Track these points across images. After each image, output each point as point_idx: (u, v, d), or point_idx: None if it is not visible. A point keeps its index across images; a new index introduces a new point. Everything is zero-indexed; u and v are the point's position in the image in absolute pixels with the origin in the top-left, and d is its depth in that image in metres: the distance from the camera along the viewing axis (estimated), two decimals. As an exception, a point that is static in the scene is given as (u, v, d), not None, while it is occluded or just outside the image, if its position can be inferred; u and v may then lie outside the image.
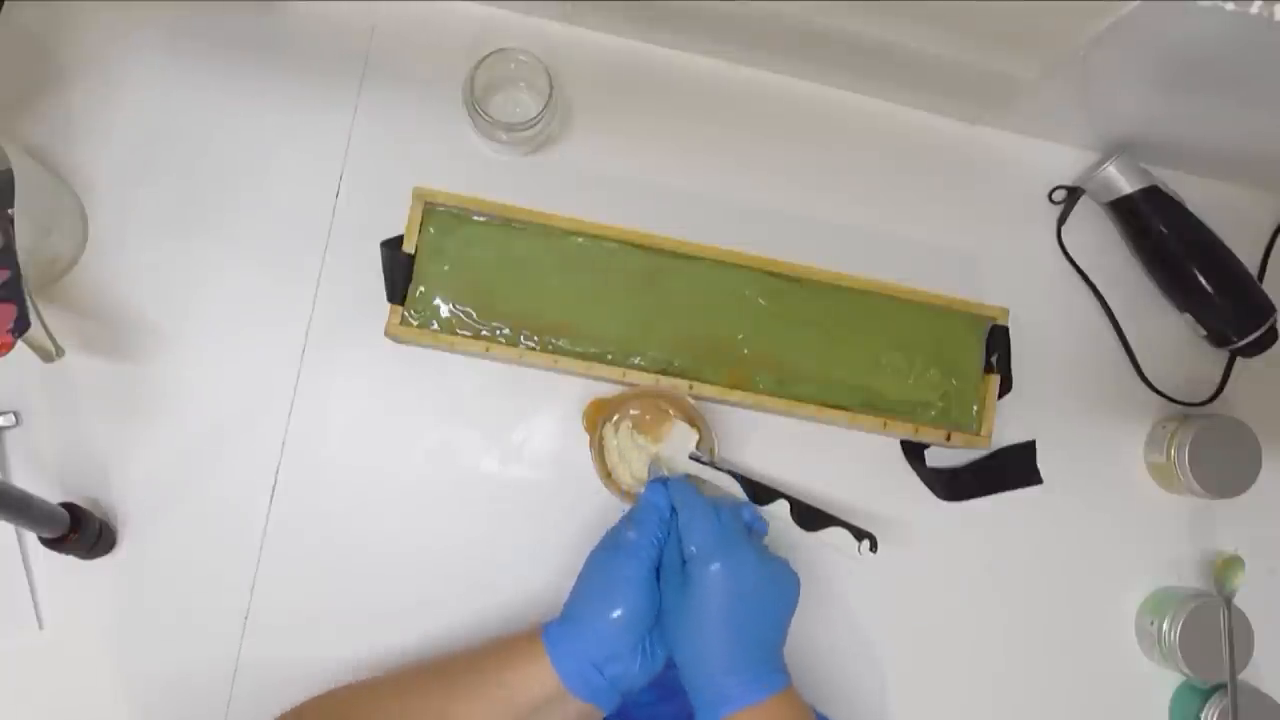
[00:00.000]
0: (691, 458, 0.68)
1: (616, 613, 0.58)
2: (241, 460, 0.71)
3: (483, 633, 0.70)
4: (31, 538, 0.66)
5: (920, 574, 0.75)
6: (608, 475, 0.68)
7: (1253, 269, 0.80)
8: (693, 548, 0.58)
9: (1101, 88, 0.71)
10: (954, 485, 0.75)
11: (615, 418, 0.69)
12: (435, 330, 0.68)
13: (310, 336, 0.72)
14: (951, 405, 0.72)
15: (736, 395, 0.70)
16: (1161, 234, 0.77)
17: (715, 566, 0.57)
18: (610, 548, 0.62)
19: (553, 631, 0.59)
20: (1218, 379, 0.80)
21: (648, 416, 0.69)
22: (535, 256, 0.70)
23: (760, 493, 0.66)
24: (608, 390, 0.72)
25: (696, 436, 0.68)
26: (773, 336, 0.71)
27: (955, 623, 0.75)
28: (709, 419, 0.70)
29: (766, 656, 0.58)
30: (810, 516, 0.66)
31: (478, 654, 0.61)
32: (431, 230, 0.69)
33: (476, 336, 0.69)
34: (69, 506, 0.64)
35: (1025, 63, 0.68)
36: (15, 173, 0.61)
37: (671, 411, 0.70)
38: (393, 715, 0.59)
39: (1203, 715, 0.72)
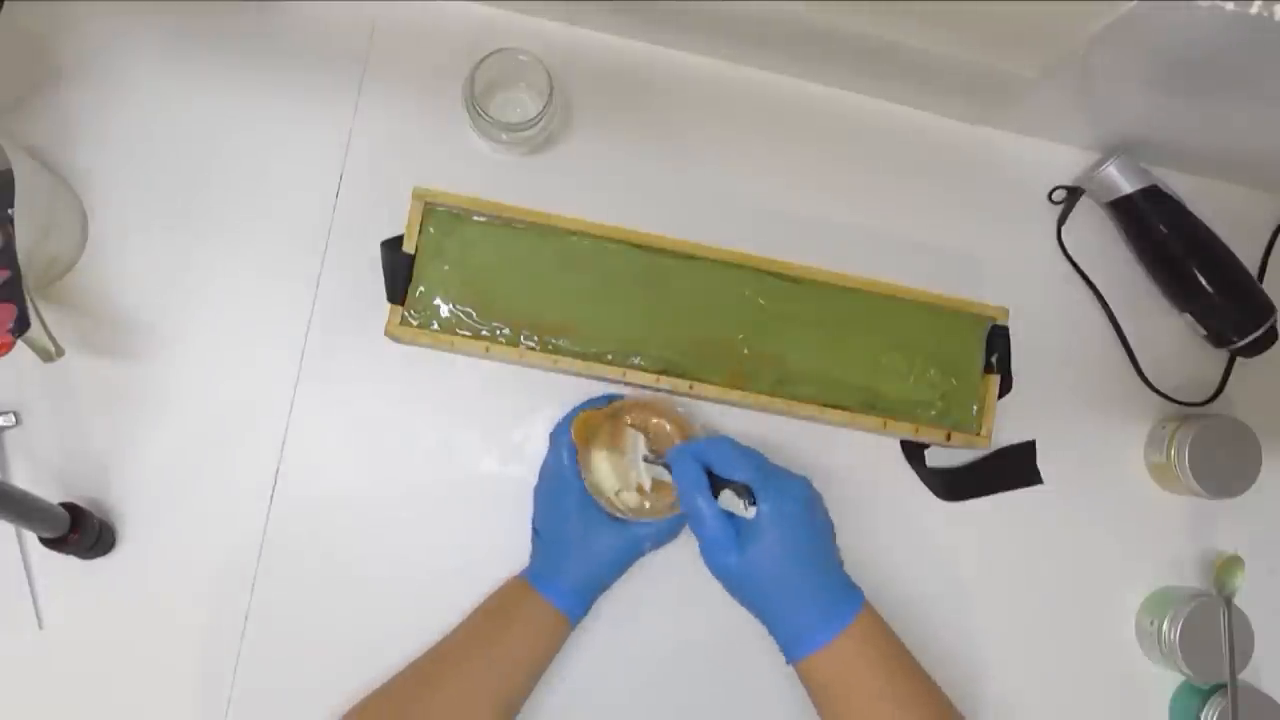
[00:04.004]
0: (645, 460, 0.67)
1: (582, 534, 0.65)
2: (241, 460, 0.71)
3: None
4: (31, 538, 0.66)
5: (919, 574, 0.75)
6: (597, 491, 0.67)
7: (1253, 269, 0.80)
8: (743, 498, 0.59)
9: (1101, 88, 0.71)
10: (954, 485, 0.75)
11: (599, 435, 0.68)
12: (435, 330, 0.68)
13: (310, 336, 0.72)
14: (951, 405, 0.72)
15: (736, 395, 0.70)
16: (1161, 234, 0.77)
17: (767, 508, 0.59)
18: (548, 480, 0.68)
19: (539, 576, 0.66)
20: (1218, 379, 0.80)
21: (615, 430, 0.68)
22: (535, 256, 0.70)
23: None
24: (606, 390, 0.72)
25: (643, 437, 0.68)
26: (773, 336, 0.71)
27: (955, 622, 0.75)
28: (701, 421, 0.70)
29: (838, 571, 0.61)
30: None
31: (474, 632, 0.65)
32: (431, 230, 0.69)
33: (476, 336, 0.69)
34: (69, 506, 0.64)
35: (1026, 63, 0.68)
36: (15, 173, 0.62)
37: (654, 420, 0.69)
38: None
39: (1203, 715, 0.72)
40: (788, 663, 0.60)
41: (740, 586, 0.60)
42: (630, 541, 0.67)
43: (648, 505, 0.67)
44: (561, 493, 0.67)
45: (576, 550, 0.66)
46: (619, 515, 0.67)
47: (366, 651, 0.68)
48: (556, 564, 0.66)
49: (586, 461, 0.67)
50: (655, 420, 0.69)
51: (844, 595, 0.60)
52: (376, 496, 0.71)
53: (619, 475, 0.67)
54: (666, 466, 0.64)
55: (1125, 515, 0.77)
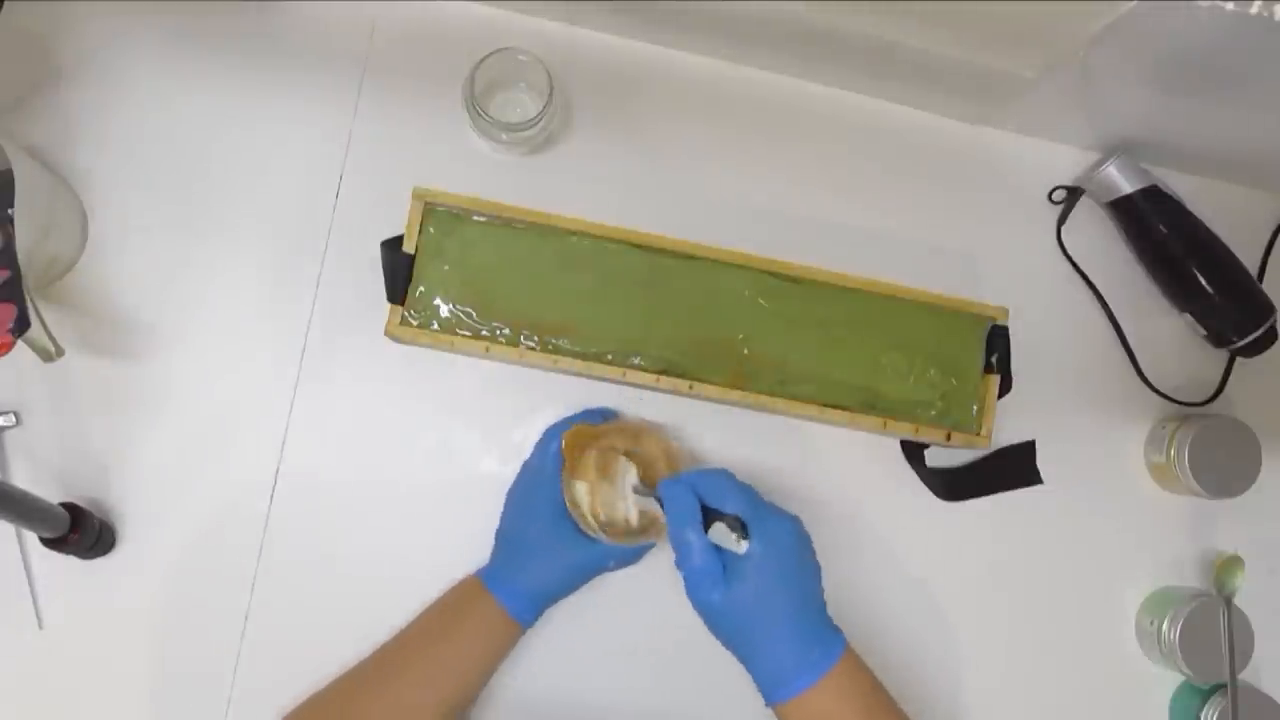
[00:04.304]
0: (635, 491, 0.65)
1: (547, 541, 0.65)
2: (241, 460, 0.71)
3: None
4: (31, 538, 0.66)
5: (920, 574, 0.75)
6: (574, 504, 0.66)
7: (1253, 269, 0.80)
8: (734, 534, 0.58)
9: (1101, 88, 0.71)
10: (954, 485, 0.75)
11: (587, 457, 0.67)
12: (435, 330, 0.68)
13: (310, 336, 0.72)
14: (951, 405, 0.72)
15: (736, 395, 0.70)
16: (1161, 234, 0.77)
17: (757, 545, 0.57)
18: (527, 480, 0.69)
19: (495, 576, 0.66)
20: (1218, 379, 0.80)
21: (605, 459, 0.66)
22: (535, 256, 0.70)
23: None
24: (606, 391, 0.72)
25: (635, 468, 0.65)
26: (773, 336, 0.70)
27: (955, 623, 0.75)
28: (690, 449, 0.70)
29: (822, 615, 0.60)
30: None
31: (423, 630, 0.65)
32: (431, 230, 0.69)
33: (476, 336, 0.69)
34: (69, 506, 0.64)
35: (1025, 62, 0.68)
36: (15, 173, 0.62)
37: (646, 449, 0.67)
38: None
39: (1203, 715, 0.72)
40: (767, 705, 0.59)
41: (722, 624, 0.59)
42: (594, 558, 0.67)
43: (624, 529, 0.65)
44: (537, 496, 0.67)
45: (538, 556, 0.66)
46: (590, 533, 0.65)
47: (367, 650, 0.68)
48: (516, 566, 0.66)
49: (569, 474, 0.66)
50: (647, 449, 0.67)
51: (826, 638, 0.58)
52: (377, 496, 0.71)
53: (605, 506, 0.64)
54: (658, 499, 0.62)
55: (1125, 515, 0.77)
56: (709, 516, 0.59)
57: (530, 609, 0.66)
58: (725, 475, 0.61)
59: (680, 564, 0.59)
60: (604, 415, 0.71)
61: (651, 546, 0.69)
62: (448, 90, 0.71)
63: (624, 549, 0.67)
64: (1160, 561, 0.77)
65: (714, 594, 0.57)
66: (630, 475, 0.65)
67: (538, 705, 0.70)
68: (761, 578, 0.57)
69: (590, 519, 0.64)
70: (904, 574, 0.74)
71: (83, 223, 0.71)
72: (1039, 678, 0.75)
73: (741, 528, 0.58)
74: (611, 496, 0.64)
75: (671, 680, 0.72)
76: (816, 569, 0.60)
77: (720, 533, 0.58)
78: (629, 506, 0.64)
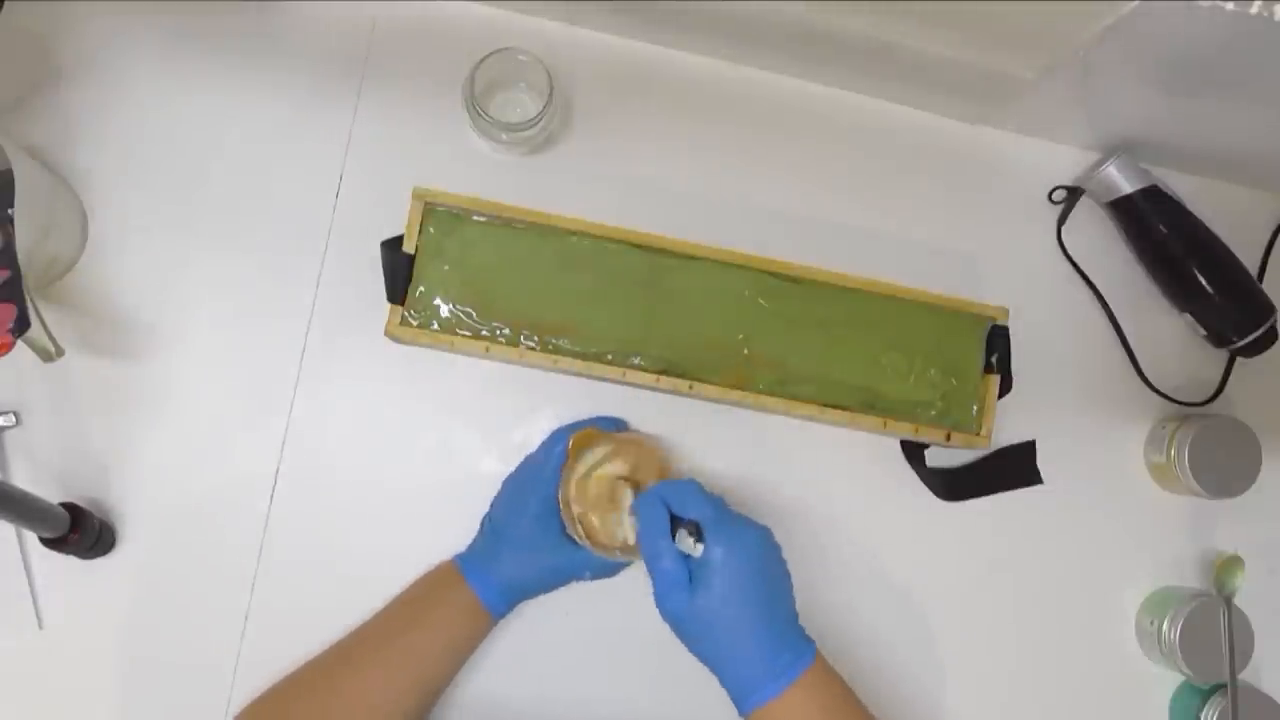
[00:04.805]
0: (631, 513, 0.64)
1: (532, 537, 0.66)
2: (242, 460, 0.71)
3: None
4: (31, 538, 0.66)
5: (920, 574, 0.75)
6: (566, 506, 0.66)
7: (1253, 269, 0.80)
8: (700, 543, 0.58)
9: (1101, 88, 0.71)
10: (954, 485, 0.75)
11: (582, 464, 0.67)
12: (435, 330, 0.68)
13: (310, 337, 0.72)
14: (951, 405, 0.72)
15: (736, 395, 0.70)
16: (1161, 234, 0.77)
17: (719, 550, 0.57)
18: (526, 472, 0.69)
19: (472, 563, 0.67)
20: (1218, 379, 0.80)
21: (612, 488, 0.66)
22: (535, 256, 0.70)
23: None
24: (609, 392, 0.72)
25: (632, 492, 0.65)
26: (773, 336, 0.71)
27: (955, 623, 0.75)
28: (685, 445, 0.70)
29: (792, 624, 0.60)
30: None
31: (390, 619, 0.66)
32: (431, 230, 0.69)
33: (476, 336, 0.69)
34: (69, 506, 0.64)
35: (1025, 63, 0.68)
36: (15, 173, 0.62)
37: (645, 476, 0.67)
38: (331, 709, 0.63)
39: (1203, 715, 0.72)
40: (740, 715, 0.59)
41: (690, 632, 0.59)
42: (573, 563, 0.67)
43: (607, 541, 0.65)
44: (532, 490, 0.67)
45: (520, 550, 0.66)
46: (576, 539, 0.65)
47: (366, 651, 0.68)
48: (495, 555, 0.66)
49: (568, 476, 0.66)
50: (645, 473, 0.67)
51: (795, 647, 0.58)
52: (376, 496, 0.71)
53: (606, 531, 0.65)
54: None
55: (1125, 515, 0.77)
56: (676, 524, 0.60)
57: (502, 600, 0.66)
58: (692, 485, 0.61)
59: (651, 573, 0.59)
60: (616, 425, 0.72)
61: (628, 564, 0.69)
62: (448, 90, 0.71)
63: (603, 561, 0.66)
64: (1160, 561, 0.77)
65: (680, 600, 0.58)
66: (628, 499, 0.65)
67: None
68: (726, 584, 0.57)
69: (578, 526, 0.64)
70: (904, 574, 0.74)
71: (83, 223, 0.71)
72: (1039, 677, 0.75)
73: (698, 531, 0.58)
74: (611, 524, 0.65)
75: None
76: (785, 579, 0.61)
77: (681, 538, 0.59)
78: (627, 529, 0.65)
